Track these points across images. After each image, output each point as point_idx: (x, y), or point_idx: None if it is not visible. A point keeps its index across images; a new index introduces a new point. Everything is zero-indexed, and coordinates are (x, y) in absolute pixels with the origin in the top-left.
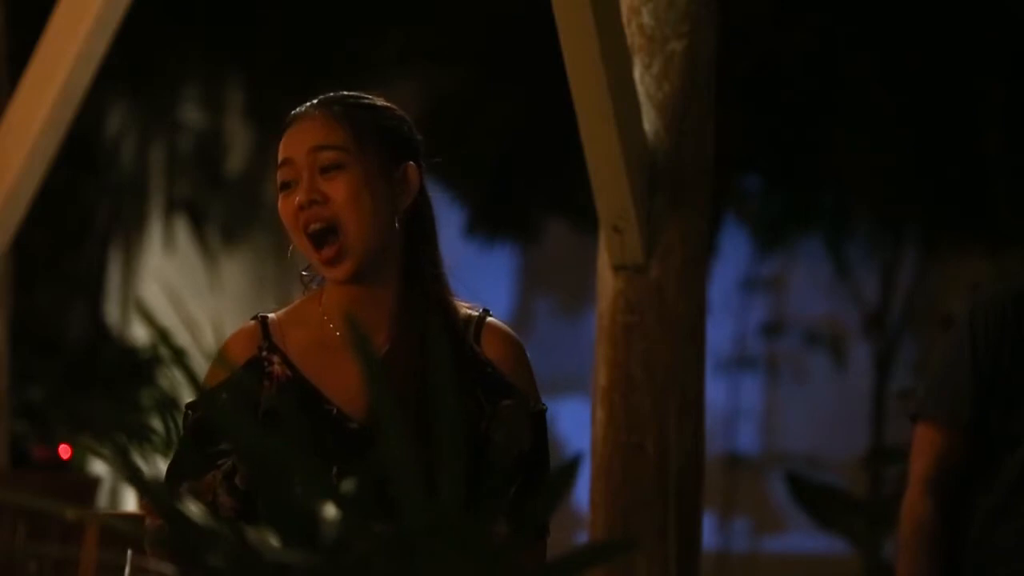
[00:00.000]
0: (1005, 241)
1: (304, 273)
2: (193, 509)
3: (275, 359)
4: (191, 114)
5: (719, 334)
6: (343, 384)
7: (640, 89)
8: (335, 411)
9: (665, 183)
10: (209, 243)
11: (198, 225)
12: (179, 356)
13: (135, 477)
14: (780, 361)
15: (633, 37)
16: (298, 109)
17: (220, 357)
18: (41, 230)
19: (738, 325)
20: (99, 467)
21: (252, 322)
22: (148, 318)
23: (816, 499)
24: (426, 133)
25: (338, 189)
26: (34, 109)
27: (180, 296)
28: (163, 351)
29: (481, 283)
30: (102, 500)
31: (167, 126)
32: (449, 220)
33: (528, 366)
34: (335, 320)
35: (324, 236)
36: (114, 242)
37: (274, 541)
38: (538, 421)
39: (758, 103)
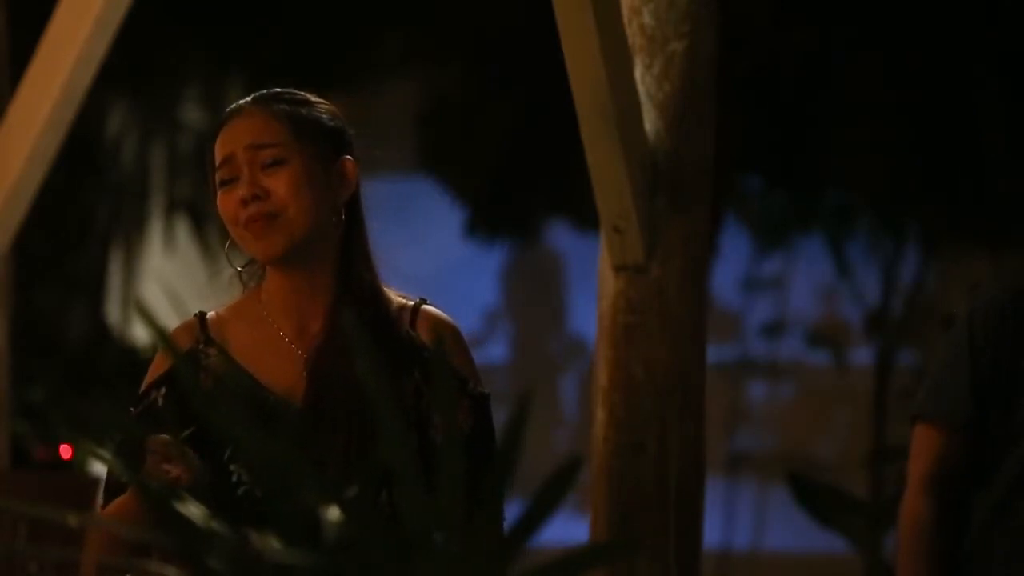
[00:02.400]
0: (1005, 241)
1: (241, 269)
2: (192, 510)
3: (212, 352)
4: (191, 114)
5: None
6: (280, 374)
7: (641, 89)
8: (272, 399)
9: (666, 183)
10: (209, 243)
11: (198, 225)
12: (179, 356)
13: (134, 478)
14: (780, 361)
15: (634, 37)
16: (233, 106)
17: (159, 350)
18: (41, 230)
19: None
20: (100, 468)
21: (192, 318)
22: (148, 318)
23: (816, 499)
24: (426, 133)
25: (280, 183)
26: (35, 109)
27: (180, 296)
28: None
29: (480, 282)
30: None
31: (167, 126)
32: (449, 220)
33: (466, 350)
34: (273, 314)
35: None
36: (114, 242)
37: (274, 541)
38: (479, 403)
39: (758, 103)
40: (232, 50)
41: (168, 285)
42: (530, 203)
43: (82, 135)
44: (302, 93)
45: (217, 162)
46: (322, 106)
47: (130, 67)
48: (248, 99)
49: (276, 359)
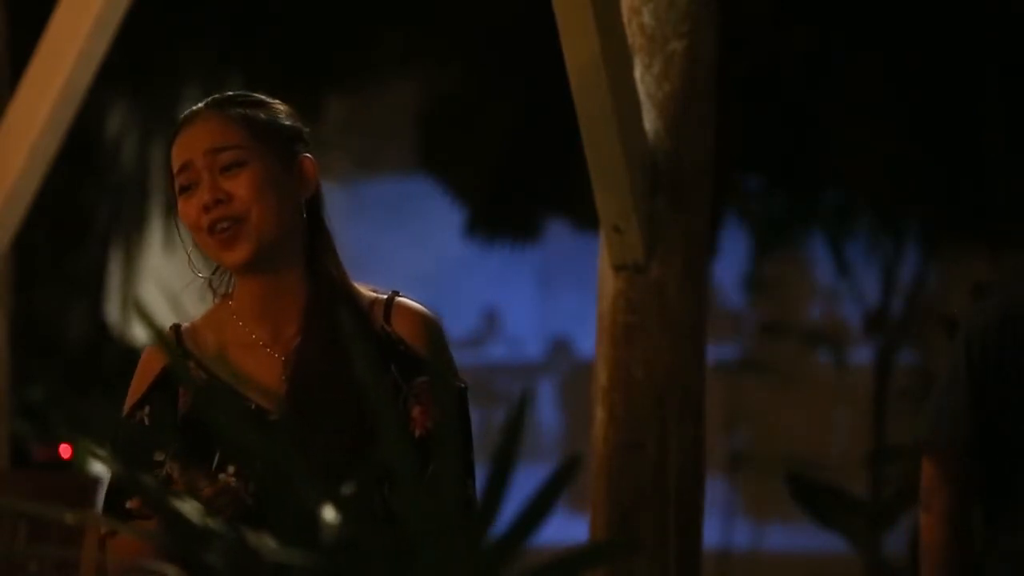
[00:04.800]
0: (1005, 241)
1: (211, 276)
2: (190, 509)
3: (190, 365)
4: None
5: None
6: (259, 379)
7: (640, 89)
8: (253, 406)
9: (665, 183)
10: None
11: None
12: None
13: (132, 478)
14: (780, 361)
15: (633, 37)
16: (188, 111)
17: (138, 371)
18: (41, 230)
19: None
20: (99, 467)
21: (167, 331)
22: (146, 319)
23: (816, 499)
24: (426, 133)
25: (241, 186)
26: (34, 109)
27: (180, 296)
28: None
29: (480, 282)
30: (102, 501)
31: (167, 126)
32: (449, 220)
33: (444, 343)
34: (244, 318)
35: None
36: (114, 242)
37: (273, 542)
38: (457, 398)
39: (758, 103)
40: (232, 50)
41: (168, 285)
42: (530, 203)
43: (82, 135)
44: (256, 95)
45: (175, 169)
46: (277, 107)
47: (130, 67)
48: (203, 104)
49: (253, 365)
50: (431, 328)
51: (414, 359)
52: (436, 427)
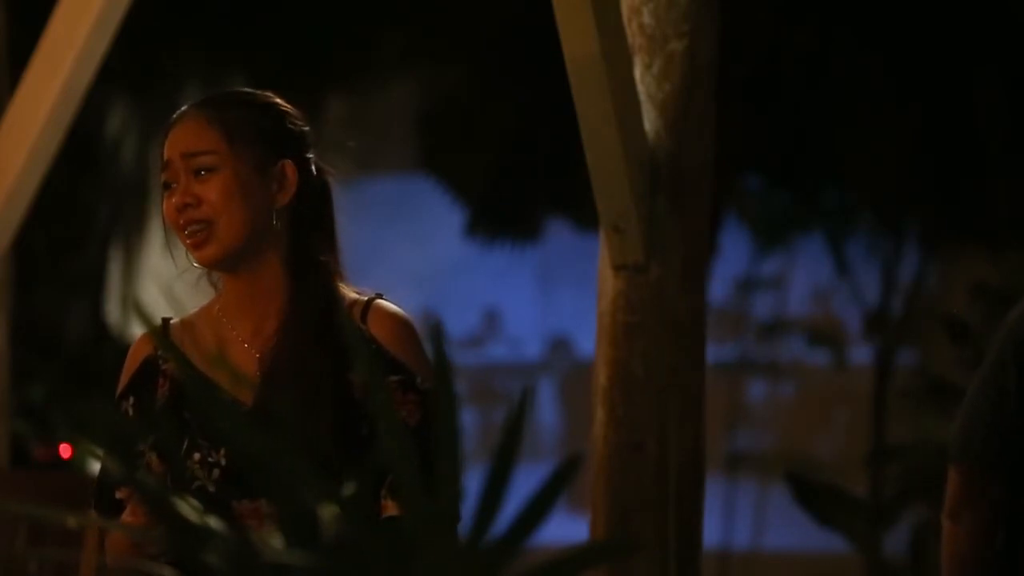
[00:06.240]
0: (1005, 241)
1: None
2: (189, 509)
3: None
4: None
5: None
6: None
7: (641, 89)
8: (228, 398)
9: (665, 183)
10: None
11: None
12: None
13: (132, 479)
14: (780, 361)
15: (634, 37)
16: (179, 111)
17: (125, 363)
18: (41, 230)
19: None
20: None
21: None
22: (144, 318)
23: (816, 499)
24: (426, 133)
25: (210, 191)
26: (34, 109)
27: (180, 297)
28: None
29: (480, 282)
30: (93, 491)
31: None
32: (449, 220)
33: (418, 344)
34: (228, 315)
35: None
36: (114, 242)
37: (275, 542)
38: (429, 399)
39: (758, 103)
40: (232, 50)
41: (167, 285)
42: (530, 203)
43: (82, 135)
44: (251, 94)
45: (161, 166)
46: (267, 108)
47: (130, 67)
48: (192, 103)
49: (234, 360)
50: (406, 329)
51: (386, 358)
52: (434, 428)
